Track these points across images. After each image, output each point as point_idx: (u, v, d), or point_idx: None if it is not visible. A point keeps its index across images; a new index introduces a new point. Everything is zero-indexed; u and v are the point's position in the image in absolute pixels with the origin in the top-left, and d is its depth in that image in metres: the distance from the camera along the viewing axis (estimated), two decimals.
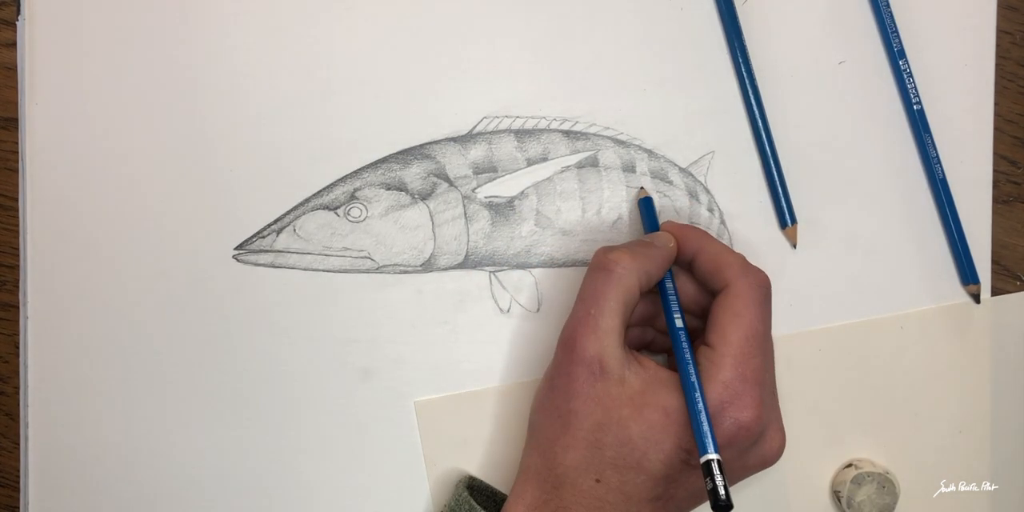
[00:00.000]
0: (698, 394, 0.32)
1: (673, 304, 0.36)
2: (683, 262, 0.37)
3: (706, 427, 0.31)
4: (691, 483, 0.33)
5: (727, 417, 0.32)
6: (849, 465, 0.42)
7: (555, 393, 0.34)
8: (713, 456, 0.31)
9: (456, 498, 0.36)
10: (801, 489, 0.42)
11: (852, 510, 0.40)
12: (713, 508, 0.30)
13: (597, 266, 0.35)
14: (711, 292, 0.36)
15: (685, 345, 0.34)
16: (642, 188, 0.40)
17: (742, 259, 0.36)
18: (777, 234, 0.42)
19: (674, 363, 0.34)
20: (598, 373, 0.33)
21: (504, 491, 0.38)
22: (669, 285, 0.36)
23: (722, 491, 0.30)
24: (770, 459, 0.35)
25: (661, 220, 0.40)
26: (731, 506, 0.30)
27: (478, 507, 0.35)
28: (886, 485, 0.40)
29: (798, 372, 0.42)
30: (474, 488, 0.37)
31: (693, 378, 0.33)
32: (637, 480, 0.32)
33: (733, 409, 0.32)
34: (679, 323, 0.35)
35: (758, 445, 0.34)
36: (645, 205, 0.40)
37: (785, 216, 0.41)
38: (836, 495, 0.41)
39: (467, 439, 0.40)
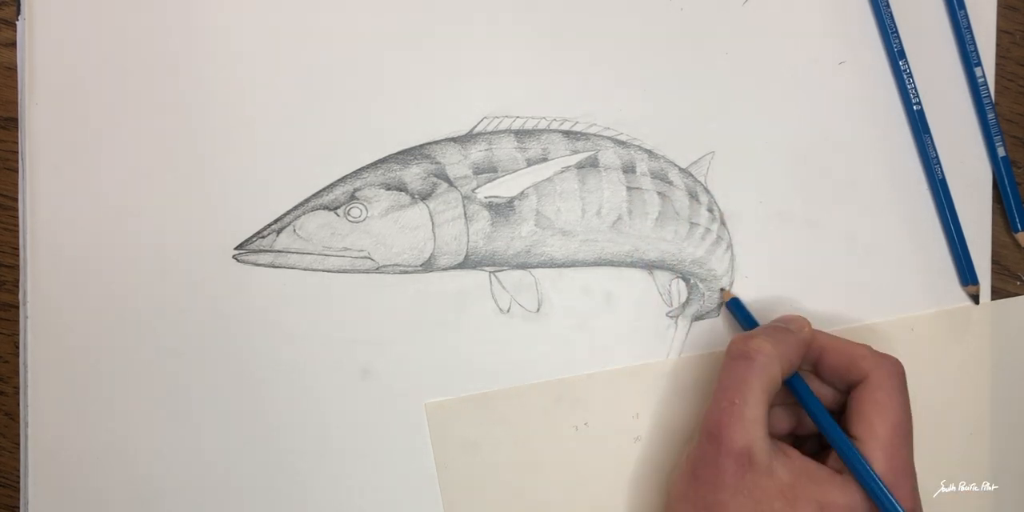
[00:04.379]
0: (885, 494, 0.32)
1: (811, 395, 0.35)
2: (808, 360, 0.37)
3: None
4: None
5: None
6: None
7: (700, 483, 0.33)
8: None
9: None
10: None
11: None
12: None
13: (738, 354, 0.34)
14: (841, 388, 0.36)
15: (843, 437, 0.34)
16: (723, 290, 0.40)
17: (870, 349, 0.36)
18: (776, 235, 0.42)
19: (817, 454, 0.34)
20: (747, 465, 0.32)
21: None
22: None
23: None
24: None
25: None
26: None
27: None
28: None
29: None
30: None
31: (875, 480, 0.33)
32: None
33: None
34: (826, 413, 0.35)
35: None
36: (735, 306, 0.40)
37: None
38: None
39: (477, 442, 0.40)
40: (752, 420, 0.33)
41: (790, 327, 0.36)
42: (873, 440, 0.33)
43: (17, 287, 0.39)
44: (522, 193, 0.40)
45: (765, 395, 0.33)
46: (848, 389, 0.36)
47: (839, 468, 0.34)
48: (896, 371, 0.35)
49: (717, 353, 0.41)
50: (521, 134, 0.40)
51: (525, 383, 0.40)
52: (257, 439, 0.39)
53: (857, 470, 0.33)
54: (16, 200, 0.39)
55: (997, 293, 0.43)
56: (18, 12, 0.38)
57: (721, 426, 0.33)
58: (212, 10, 0.39)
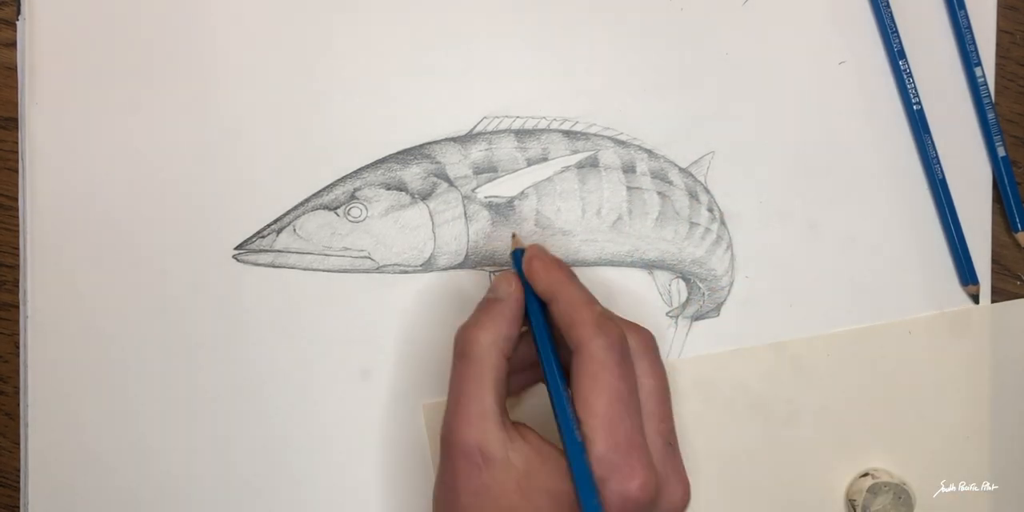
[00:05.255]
0: (590, 481, 0.31)
1: (546, 348, 0.34)
2: (545, 302, 0.35)
3: (595, 505, 0.30)
4: None
5: (611, 492, 0.30)
6: (865, 474, 0.42)
7: (443, 489, 0.32)
8: None
9: None
10: (814, 496, 0.42)
11: None
12: None
13: (456, 352, 0.33)
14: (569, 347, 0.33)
15: (567, 405, 0.32)
16: (515, 236, 0.38)
17: (598, 315, 0.33)
18: (776, 235, 0.42)
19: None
20: (481, 463, 0.31)
21: None
22: (543, 333, 0.34)
23: None
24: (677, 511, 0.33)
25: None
26: None
27: None
28: (902, 496, 0.40)
29: (807, 378, 0.42)
30: None
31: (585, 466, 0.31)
32: None
33: (615, 482, 0.30)
34: (560, 383, 0.33)
35: (658, 505, 0.32)
36: (516, 259, 0.36)
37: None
38: (851, 504, 0.41)
39: None
40: (479, 415, 0.31)
41: (498, 294, 0.34)
42: (592, 418, 0.31)
43: (17, 287, 0.39)
44: (522, 193, 0.40)
45: (491, 385, 0.32)
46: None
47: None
48: (610, 344, 0.32)
49: (717, 354, 0.41)
50: (521, 134, 0.40)
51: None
52: (257, 439, 0.39)
53: (570, 462, 0.31)
54: (16, 200, 0.39)
55: (997, 293, 0.43)
56: (18, 12, 0.38)
57: (450, 428, 0.32)
58: (212, 10, 0.39)
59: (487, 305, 0.34)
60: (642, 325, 0.35)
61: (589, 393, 0.31)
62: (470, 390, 0.32)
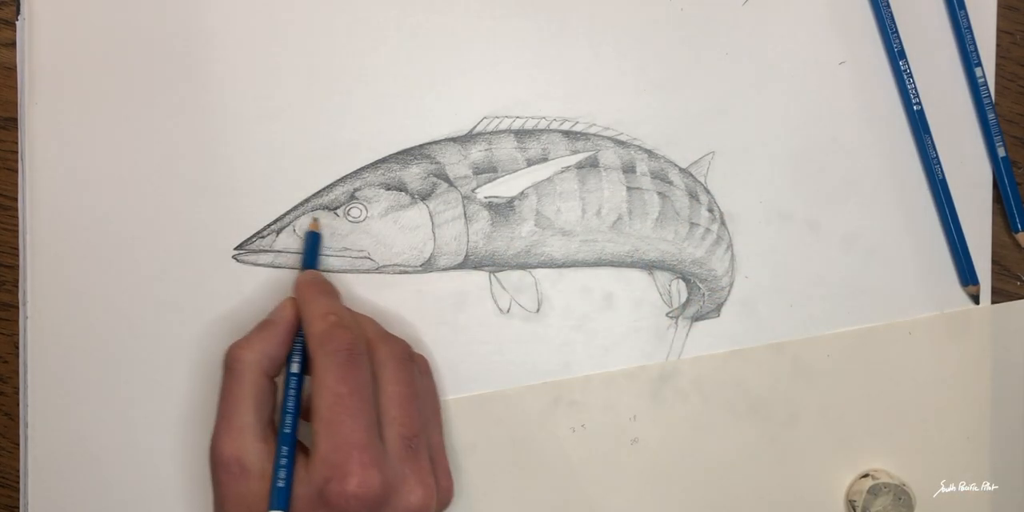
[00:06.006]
0: (282, 465, 0.32)
1: (294, 365, 0.35)
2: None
3: (280, 484, 0.32)
4: None
5: (332, 492, 0.31)
6: (866, 475, 0.42)
7: (215, 501, 0.33)
8: None
9: None
10: (814, 497, 0.42)
11: None
12: None
13: (224, 365, 0.34)
14: None
15: (288, 422, 0.34)
16: (315, 220, 0.39)
17: (329, 324, 0.34)
18: (776, 235, 0.42)
19: None
20: (238, 473, 0.32)
21: None
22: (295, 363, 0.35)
23: None
24: None
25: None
26: None
27: None
28: (902, 497, 0.40)
29: (807, 378, 0.42)
30: None
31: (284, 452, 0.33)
32: None
33: (335, 482, 0.31)
34: (291, 394, 0.34)
35: (392, 506, 0.33)
36: (310, 240, 0.38)
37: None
38: (851, 504, 0.41)
39: (475, 443, 0.40)
40: (239, 428, 0.33)
41: (274, 317, 0.36)
42: (317, 421, 0.32)
43: (17, 287, 0.39)
44: (522, 193, 0.40)
45: (252, 401, 0.33)
46: None
47: None
48: (335, 349, 0.33)
49: (717, 355, 0.41)
50: (521, 134, 0.40)
51: (524, 384, 0.40)
52: None
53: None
54: (16, 200, 0.39)
55: (997, 293, 0.43)
56: (18, 12, 0.38)
57: (213, 441, 0.33)
58: (212, 9, 0.39)
59: (261, 325, 0.36)
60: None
61: (315, 399, 0.33)
62: (231, 404, 0.34)
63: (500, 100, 0.40)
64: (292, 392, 0.35)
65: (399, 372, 0.35)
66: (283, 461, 0.32)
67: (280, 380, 0.35)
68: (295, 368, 0.35)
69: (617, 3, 0.41)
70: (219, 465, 0.33)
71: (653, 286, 0.41)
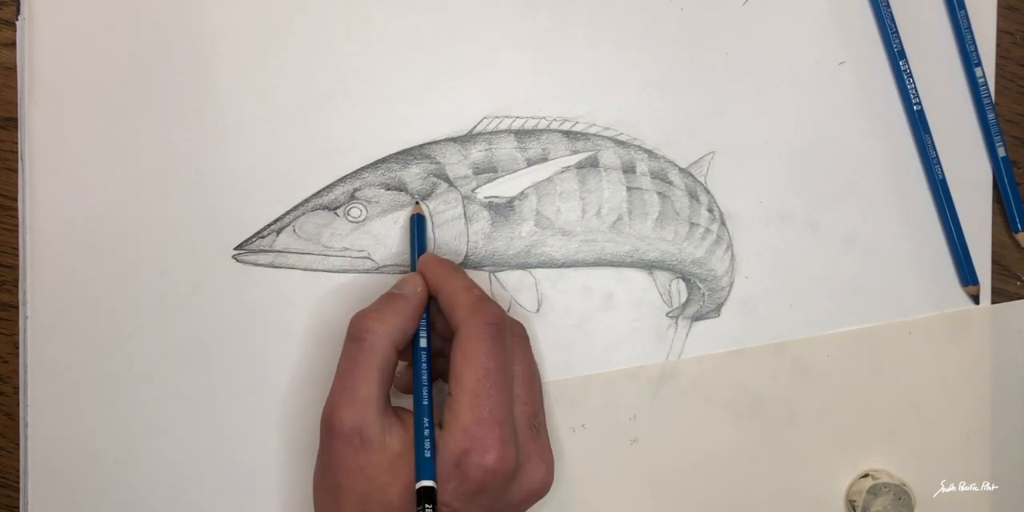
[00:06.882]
0: (426, 436, 0.32)
1: (422, 341, 0.35)
2: (433, 296, 0.37)
3: (426, 455, 0.32)
4: None
5: (471, 464, 0.32)
6: (866, 475, 0.42)
7: (323, 470, 0.34)
8: (428, 483, 0.31)
9: None
10: (814, 497, 0.42)
11: None
12: None
13: (350, 336, 0.34)
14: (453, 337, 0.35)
15: (424, 386, 0.34)
16: (417, 203, 0.39)
17: (475, 297, 0.35)
18: (776, 235, 0.42)
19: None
20: (358, 445, 0.32)
21: None
22: (422, 331, 0.36)
23: None
24: (536, 492, 0.35)
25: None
26: None
27: None
28: (902, 497, 0.40)
29: (808, 378, 0.42)
30: None
31: (426, 424, 0.33)
32: None
33: (475, 454, 0.32)
34: (424, 368, 0.35)
35: (518, 482, 0.33)
36: (417, 223, 0.39)
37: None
38: (851, 504, 0.41)
39: None
40: (363, 399, 0.33)
41: (404, 291, 0.36)
42: (460, 392, 0.33)
43: (17, 287, 0.39)
44: (522, 193, 0.40)
45: (378, 373, 0.33)
46: None
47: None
48: (486, 320, 0.34)
49: (717, 355, 0.41)
50: (521, 134, 0.40)
51: None
52: (257, 439, 0.39)
53: (416, 430, 0.33)
54: (16, 200, 0.39)
55: (997, 293, 0.43)
56: (18, 12, 0.38)
57: (333, 411, 0.33)
58: (212, 10, 0.39)
59: (389, 298, 0.36)
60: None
61: (460, 369, 0.33)
62: (357, 375, 0.33)
63: (500, 100, 0.40)
64: (425, 366, 0.35)
65: (523, 352, 0.35)
66: (426, 432, 0.32)
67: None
68: (424, 343, 0.35)
69: (617, 3, 0.41)
70: (339, 435, 0.33)
71: (653, 286, 0.41)
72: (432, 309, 0.37)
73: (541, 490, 0.35)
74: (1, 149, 0.39)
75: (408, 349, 0.36)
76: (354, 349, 0.34)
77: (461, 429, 0.32)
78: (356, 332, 0.34)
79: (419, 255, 0.38)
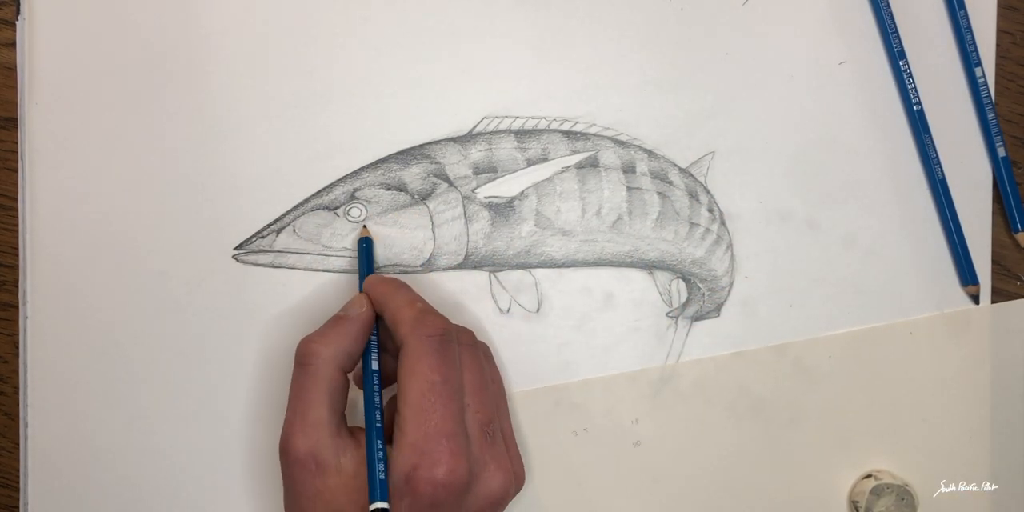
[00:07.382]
0: (379, 458, 0.32)
1: (373, 362, 0.35)
2: (379, 314, 0.37)
3: (380, 476, 0.32)
4: None
5: (420, 479, 0.32)
6: (868, 476, 0.42)
7: (287, 495, 0.34)
8: (381, 505, 0.31)
9: None
10: (816, 498, 0.42)
11: None
12: None
13: (296, 361, 0.34)
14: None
15: (376, 412, 0.34)
16: (364, 227, 0.39)
17: (418, 311, 0.35)
18: (776, 235, 0.42)
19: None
20: (314, 469, 0.33)
21: None
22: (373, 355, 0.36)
23: None
24: (499, 500, 0.34)
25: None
26: None
27: None
28: (905, 497, 0.40)
29: (809, 379, 0.42)
30: None
31: (377, 445, 0.33)
32: None
33: (424, 469, 0.32)
34: (375, 390, 0.35)
35: (474, 492, 0.33)
36: (365, 246, 0.38)
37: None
38: (854, 505, 0.41)
39: None
40: (314, 424, 0.33)
41: (349, 312, 0.36)
42: (406, 408, 0.32)
43: (17, 287, 0.39)
44: (522, 193, 0.40)
45: (326, 397, 0.33)
46: None
47: None
48: (428, 333, 0.34)
49: (717, 356, 0.41)
50: (521, 134, 0.40)
51: (525, 386, 0.40)
52: (257, 439, 0.39)
53: (368, 453, 0.33)
54: (16, 200, 0.39)
55: (997, 293, 0.43)
56: (18, 12, 0.38)
57: (287, 438, 0.33)
58: (212, 10, 0.39)
59: (335, 320, 0.36)
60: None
61: (405, 384, 0.33)
62: (306, 400, 0.33)
63: (500, 100, 0.40)
64: (376, 388, 0.35)
65: (471, 360, 0.35)
66: (379, 454, 0.32)
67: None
68: (375, 365, 0.35)
69: (617, 3, 0.41)
70: (294, 462, 0.33)
71: (653, 286, 0.41)
72: (381, 329, 0.36)
73: (503, 498, 0.34)
74: (1, 149, 0.39)
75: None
76: (300, 374, 0.34)
77: (408, 445, 0.32)
78: (301, 357, 0.34)
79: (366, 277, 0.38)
